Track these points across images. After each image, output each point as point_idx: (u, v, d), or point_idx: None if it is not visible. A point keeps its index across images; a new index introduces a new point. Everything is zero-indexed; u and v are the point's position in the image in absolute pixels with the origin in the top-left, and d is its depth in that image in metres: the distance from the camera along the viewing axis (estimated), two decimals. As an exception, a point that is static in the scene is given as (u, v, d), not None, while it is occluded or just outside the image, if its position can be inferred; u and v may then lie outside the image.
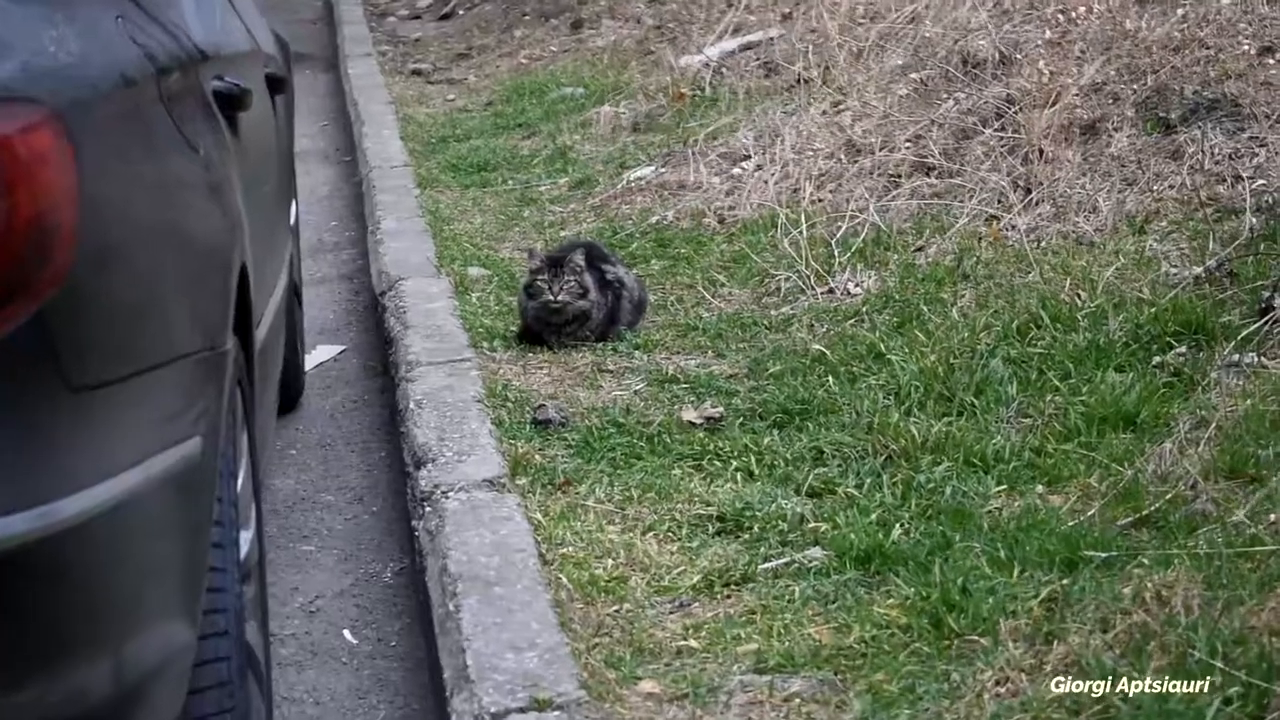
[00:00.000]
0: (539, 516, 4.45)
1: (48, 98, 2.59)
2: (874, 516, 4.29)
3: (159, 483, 2.79)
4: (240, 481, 3.50)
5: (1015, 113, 6.98)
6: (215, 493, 3.07)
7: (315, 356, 6.95)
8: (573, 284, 5.88)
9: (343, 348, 7.04)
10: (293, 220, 6.34)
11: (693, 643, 3.83)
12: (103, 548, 2.64)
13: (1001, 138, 6.88)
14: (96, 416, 2.63)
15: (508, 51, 12.65)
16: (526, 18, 13.79)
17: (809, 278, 6.16)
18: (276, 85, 4.93)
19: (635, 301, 6.09)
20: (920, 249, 6.31)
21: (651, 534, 4.41)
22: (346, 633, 4.59)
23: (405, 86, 11.89)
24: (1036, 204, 6.35)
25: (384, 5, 16.02)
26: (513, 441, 5.01)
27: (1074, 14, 7.37)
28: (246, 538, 3.59)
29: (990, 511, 4.26)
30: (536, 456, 4.88)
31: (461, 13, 15.17)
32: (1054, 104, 6.81)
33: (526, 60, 12.15)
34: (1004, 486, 4.39)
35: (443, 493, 4.62)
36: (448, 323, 6.13)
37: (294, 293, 6.32)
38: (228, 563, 3.14)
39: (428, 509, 4.59)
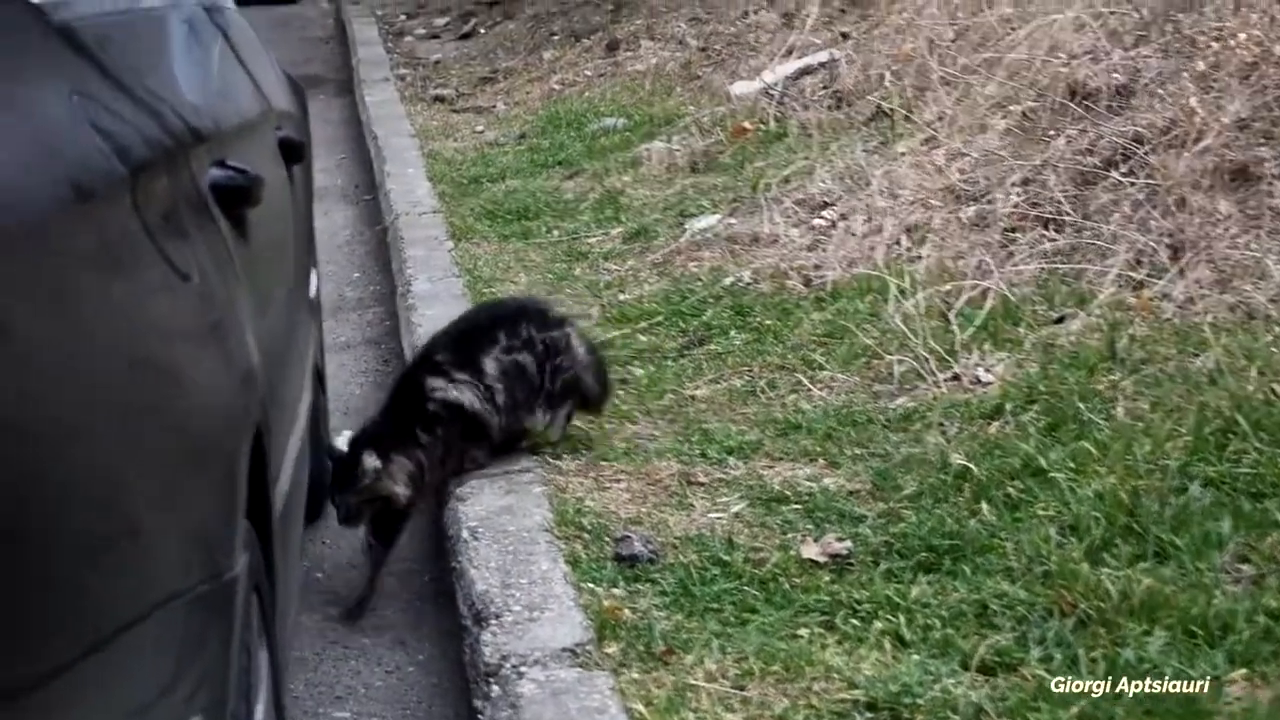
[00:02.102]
0: (640, 707, 3.48)
1: None
2: (1075, 711, 3.32)
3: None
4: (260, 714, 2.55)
5: (1145, 154, 6.00)
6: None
7: (341, 443, 5.99)
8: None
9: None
10: (314, 292, 5.40)
11: None
12: None
13: (1132, 183, 5.90)
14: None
15: (537, 75, 11.68)
16: (555, 37, 12.83)
17: (927, 360, 5.18)
18: (293, 152, 3.96)
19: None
20: (1059, 321, 5.32)
21: (782, 727, 3.44)
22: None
23: (429, 116, 10.94)
24: (1190, 267, 5.37)
25: (399, 23, 15.09)
26: (594, 588, 4.05)
27: (1205, 38, 6.39)
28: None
29: (1232, 707, 3.29)
30: (626, 611, 3.91)
31: (483, 31, 14.22)
32: (1195, 143, 5.83)
33: (559, 85, 11.18)
34: (1241, 668, 3.41)
35: (514, 668, 3.66)
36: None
37: (318, 379, 5.38)
38: None
39: (495, 689, 3.63)
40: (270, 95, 3.93)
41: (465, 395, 4.68)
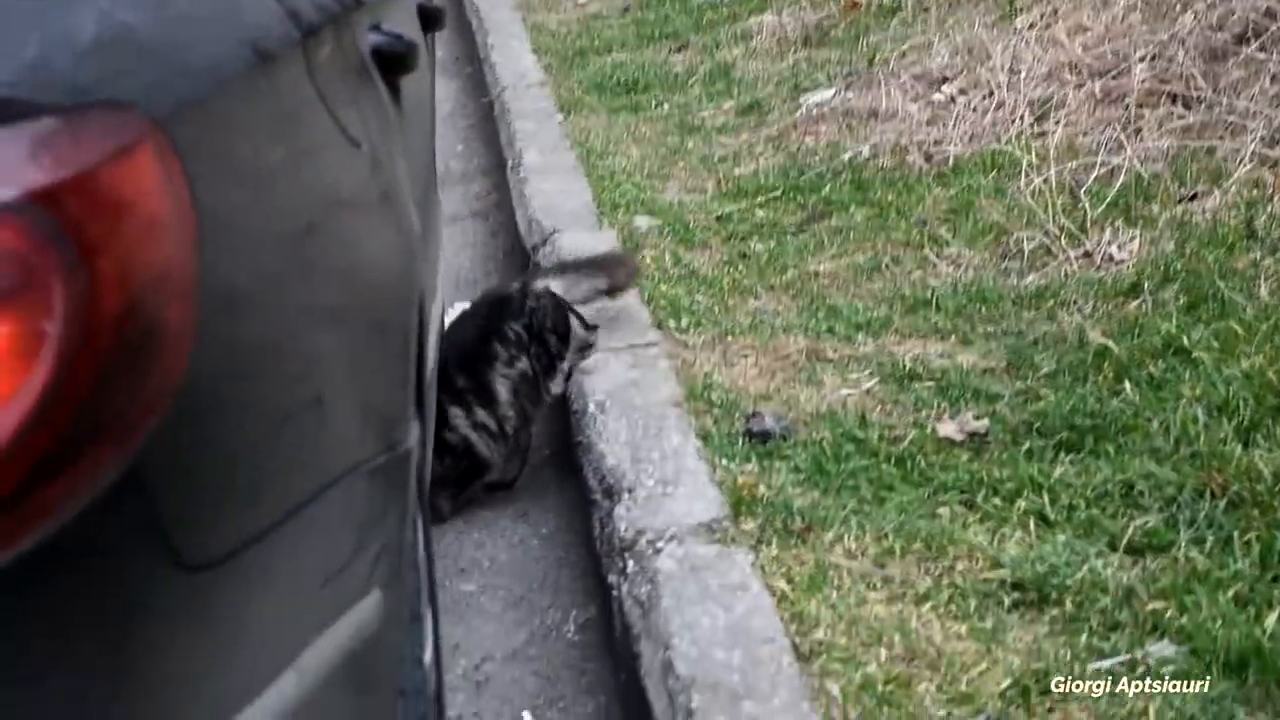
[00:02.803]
0: (782, 584, 3.42)
1: (142, 98, 1.56)
2: (1231, 594, 3.24)
3: (323, 684, 1.79)
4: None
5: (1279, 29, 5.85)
6: (400, 659, 2.07)
7: (452, 316, 5.94)
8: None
9: (485, 301, 6.01)
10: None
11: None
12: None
13: (1265, 58, 5.75)
14: (228, 606, 1.62)
15: (640, -52, 11.52)
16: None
17: (1058, 237, 5.07)
18: (432, 19, 3.86)
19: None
20: (1192, 198, 5.20)
21: (929, 607, 3.37)
22: (527, 716, 3.60)
23: (530, -12, 10.82)
24: (1329, 143, 5.24)
25: (498, -103, 14.89)
26: (727, 464, 3.98)
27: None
28: (426, 660, 2.60)
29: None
30: (761, 487, 3.84)
31: (582, -97, 14.03)
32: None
33: (662, -43, 11.01)
34: (1403, 552, 3.32)
35: (650, 543, 3.60)
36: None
37: (434, 249, 5.32)
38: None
39: (631, 564, 3.57)
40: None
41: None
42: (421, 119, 3.50)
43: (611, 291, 4.74)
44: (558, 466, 4.65)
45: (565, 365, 4.52)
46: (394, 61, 2.69)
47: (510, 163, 6.89)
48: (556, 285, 4.64)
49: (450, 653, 3.84)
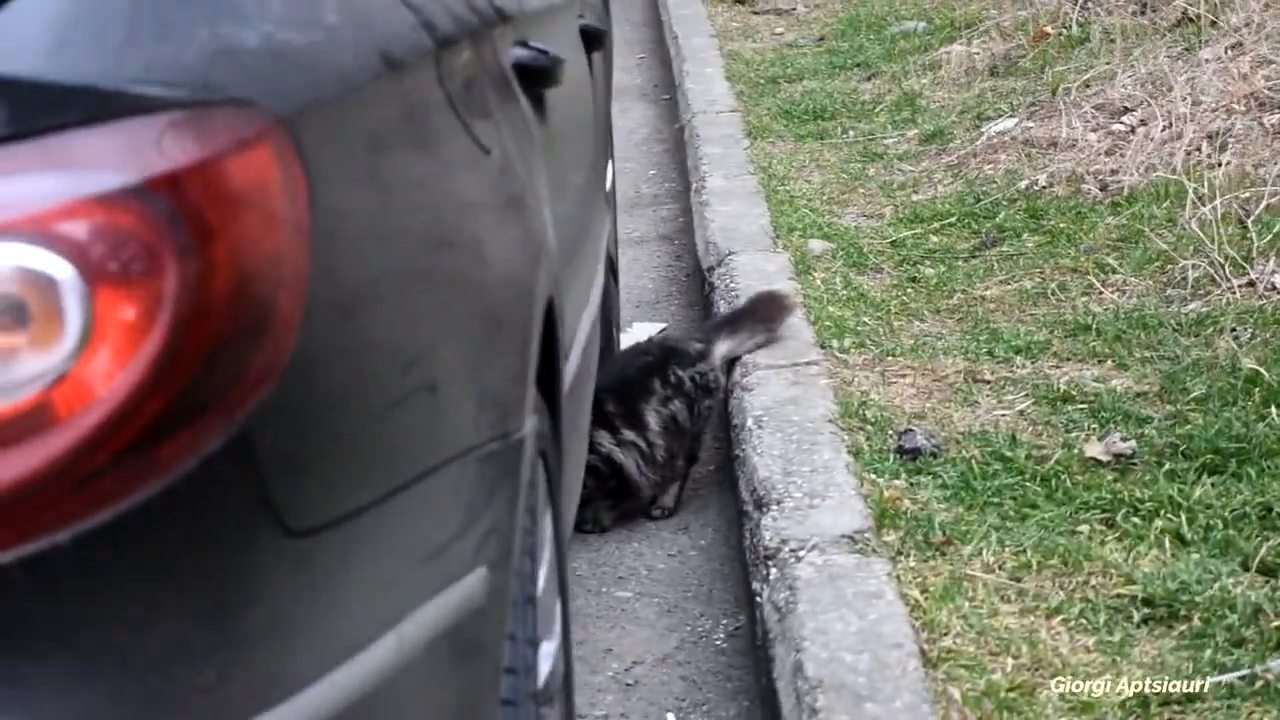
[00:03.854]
0: (916, 594, 3.52)
1: (267, 97, 1.72)
2: (1357, 614, 3.30)
3: (424, 651, 1.93)
4: (541, 583, 2.64)
5: None
6: (506, 636, 2.20)
7: (630, 336, 6.09)
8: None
9: (664, 325, 6.17)
10: (609, 184, 5.48)
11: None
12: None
13: None
14: (328, 570, 1.77)
15: (840, -21, 11.63)
16: (857, -59, 12.74)
17: (1222, 266, 5.11)
18: (594, 40, 4.02)
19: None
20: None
21: (1059, 620, 3.46)
22: (671, 718, 3.73)
23: (729, 17, 10.96)
24: None
25: (705, -73, 15.06)
26: (875, 479, 4.09)
27: None
28: (548, 652, 2.73)
29: None
30: (906, 501, 3.95)
31: (787, -65, 14.16)
32: None
33: (861, -12, 11.12)
34: None
35: (792, 551, 3.72)
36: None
37: (610, 269, 5.46)
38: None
39: (774, 572, 3.69)
40: (574, -18, 4.00)
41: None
42: (579, 133, 3.65)
43: (771, 340, 4.87)
44: (720, 482, 4.78)
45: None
46: (538, 75, 2.84)
47: (694, 186, 7.03)
48: (726, 344, 4.77)
49: (602, 656, 3.98)
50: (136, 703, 1.60)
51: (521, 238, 2.47)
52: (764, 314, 4.93)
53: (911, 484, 4.08)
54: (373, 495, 1.84)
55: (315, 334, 1.71)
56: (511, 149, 2.53)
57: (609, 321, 5.25)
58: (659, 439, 4.55)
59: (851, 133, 7.70)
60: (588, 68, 4.02)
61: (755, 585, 3.77)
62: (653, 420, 4.56)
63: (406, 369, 1.93)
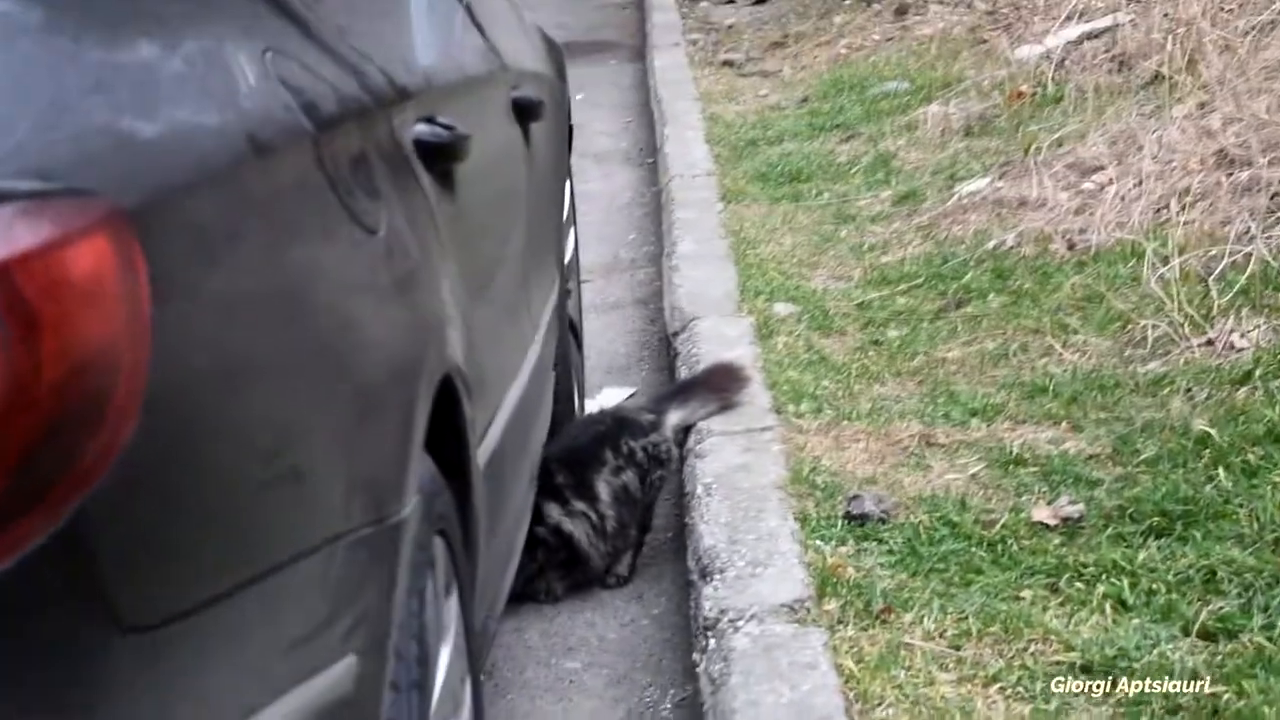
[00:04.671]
0: (851, 664, 3.48)
1: (109, 186, 1.69)
2: (1293, 679, 3.25)
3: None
4: (443, 665, 2.60)
5: None
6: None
7: (598, 402, 6.06)
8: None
9: (632, 390, 6.15)
10: (570, 254, 5.46)
11: None
12: None
13: None
14: (172, 667, 1.73)
15: (826, 40, 11.62)
16: (847, 2, 12.75)
17: (1182, 325, 5.08)
18: (529, 111, 4.00)
19: None
20: (1320, 290, 5.18)
21: (996, 688, 3.41)
22: (621, 799, 3.68)
23: (715, 80, 10.95)
24: None
25: (697, -11, 15.10)
26: (821, 545, 4.05)
27: None
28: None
29: None
30: (849, 569, 3.91)
31: (779, -3, 14.19)
32: None
33: (846, 50, 11.11)
34: None
35: (731, 622, 3.68)
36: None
37: (574, 337, 5.45)
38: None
39: (712, 643, 3.65)
40: (506, 54, 3.98)
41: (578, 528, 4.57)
42: (504, 205, 3.62)
43: (725, 408, 4.84)
44: (676, 549, 4.74)
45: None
46: (441, 151, 2.82)
47: (666, 251, 7.01)
48: (678, 414, 4.74)
49: (545, 731, 3.94)
50: None
51: (408, 317, 2.44)
52: (717, 384, 4.91)
53: (858, 550, 4.05)
54: (225, 587, 1.81)
55: (157, 423, 1.68)
56: (403, 227, 2.50)
57: (571, 390, 5.22)
58: (610, 509, 4.52)
59: (826, 194, 7.68)
60: (523, 139, 3.99)
61: (695, 655, 3.73)
62: (603, 491, 4.52)
63: (265, 456, 1.90)
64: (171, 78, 1.91)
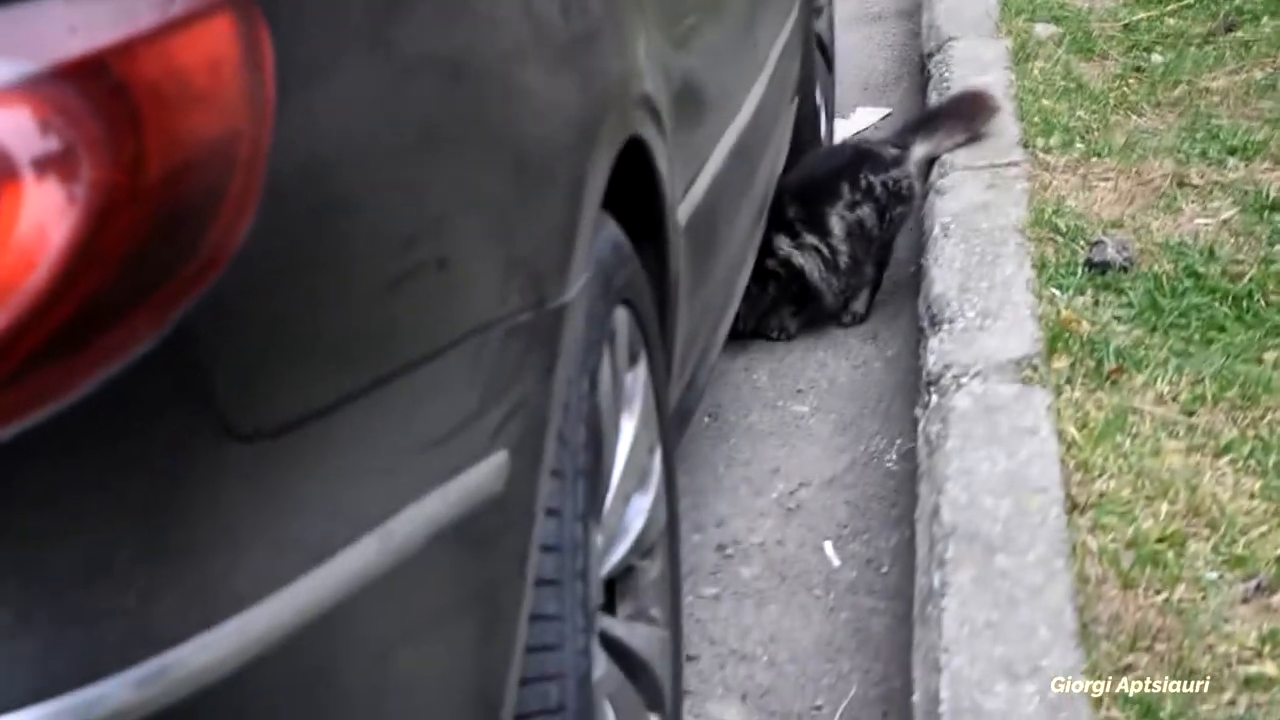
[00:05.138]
0: (1073, 430, 3.33)
1: None
2: None
3: (421, 549, 1.81)
4: (627, 442, 2.51)
5: None
6: (538, 515, 2.08)
7: (851, 123, 5.90)
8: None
9: (887, 111, 5.96)
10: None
11: (1271, 669, 2.69)
12: (321, 676, 1.70)
13: None
14: (288, 474, 1.65)
15: None
16: None
17: None
18: None
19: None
20: None
21: (1227, 460, 3.25)
22: (828, 546, 3.60)
23: None
24: None
25: None
26: (1057, 294, 3.88)
27: None
28: (641, 507, 2.61)
29: None
30: (1084, 324, 3.74)
31: None
32: None
33: None
34: None
35: (955, 378, 3.54)
36: (999, 105, 4.94)
37: (821, 53, 5.26)
38: (565, 606, 2.15)
39: (934, 399, 3.53)
40: None
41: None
42: None
43: (972, 139, 4.64)
44: (916, 287, 4.59)
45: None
46: None
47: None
48: (923, 147, 4.55)
49: (769, 477, 3.86)
50: (42, 626, 1.50)
51: (579, 80, 2.29)
52: (966, 112, 4.70)
53: (1095, 301, 3.87)
54: (352, 388, 1.70)
55: (278, 216, 1.57)
56: None
57: (812, 114, 5.05)
58: (843, 244, 4.37)
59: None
60: None
61: (917, 411, 3.61)
62: (836, 225, 4.38)
63: (403, 246, 1.78)
64: None
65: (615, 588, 2.59)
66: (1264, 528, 3.02)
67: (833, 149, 4.72)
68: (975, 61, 5.34)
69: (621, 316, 2.47)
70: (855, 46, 6.67)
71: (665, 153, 2.68)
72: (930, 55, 5.64)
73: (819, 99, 5.19)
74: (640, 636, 2.58)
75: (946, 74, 5.30)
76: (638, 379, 2.59)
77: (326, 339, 1.67)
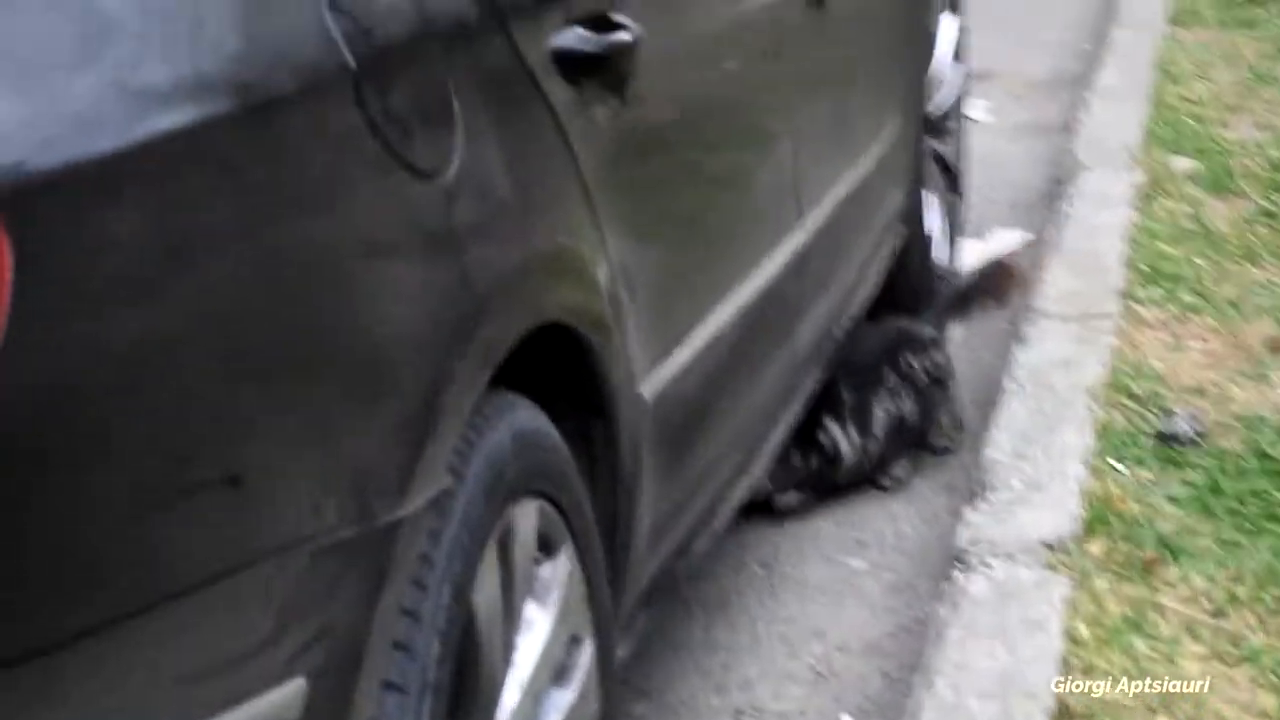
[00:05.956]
0: (1082, 629, 3.16)
1: None
2: None
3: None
4: (541, 632, 2.43)
5: None
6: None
7: (986, 245, 5.74)
8: None
9: (1024, 237, 5.78)
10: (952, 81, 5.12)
11: None
12: None
13: None
14: (36, 702, 1.58)
15: None
16: None
17: None
18: None
19: None
20: None
21: (1245, 671, 3.06)
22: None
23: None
24: None
25: None
26: (1116, 466, 3.70)
27: None
28: (562, 702, 2.52)
29: None
30: (1131, 504, 3.56)
31: None
32: None
33: None
34: None
35: (980, 559, 3.40)
36: (1109, 249, 4.78)
37: (947, 175, 5.13)
38: None
39: (955, 578, 3.38)
40: None
41: None
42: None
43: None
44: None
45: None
46: (589, 61, 2.55)
47: (1089, 77, 6.58)
48: (960, 329, 4.40)
49: (808, 639, 3.72)
50: None
51: (448, 276, 2.13)
52: (994, 288, 4.54)
53: (1156, 478, 3.69)
54: (113, 613, 1.63)
55: (11, 436, 1.51)
56: (494, 164, 2.27)
57: (918, 245, 4.90)
58: (881, 434, 4.22)
59: (1281, 22, 7.08)
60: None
61: (943, 585, 3.47)
62: (879, 419, 4.21)
63: (180, 462, 1.69)
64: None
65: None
66: (1264, 755, 2.84)
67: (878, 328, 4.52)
68: (1099, 196, 5.18)
69: (526, 510, 2.38)
70: (1013, 160, 6.52)
71: (612, 333, 2.59)
72: (1059, 183, 5.48)
73: (934, 226, 5.06)
74: None
75: (1067, 209, 5.14)
76: (557, 571, 2.49)
77: (74, 562, 1.60)
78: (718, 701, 3.49)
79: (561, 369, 2.53)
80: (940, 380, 4.25)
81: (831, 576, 3.96)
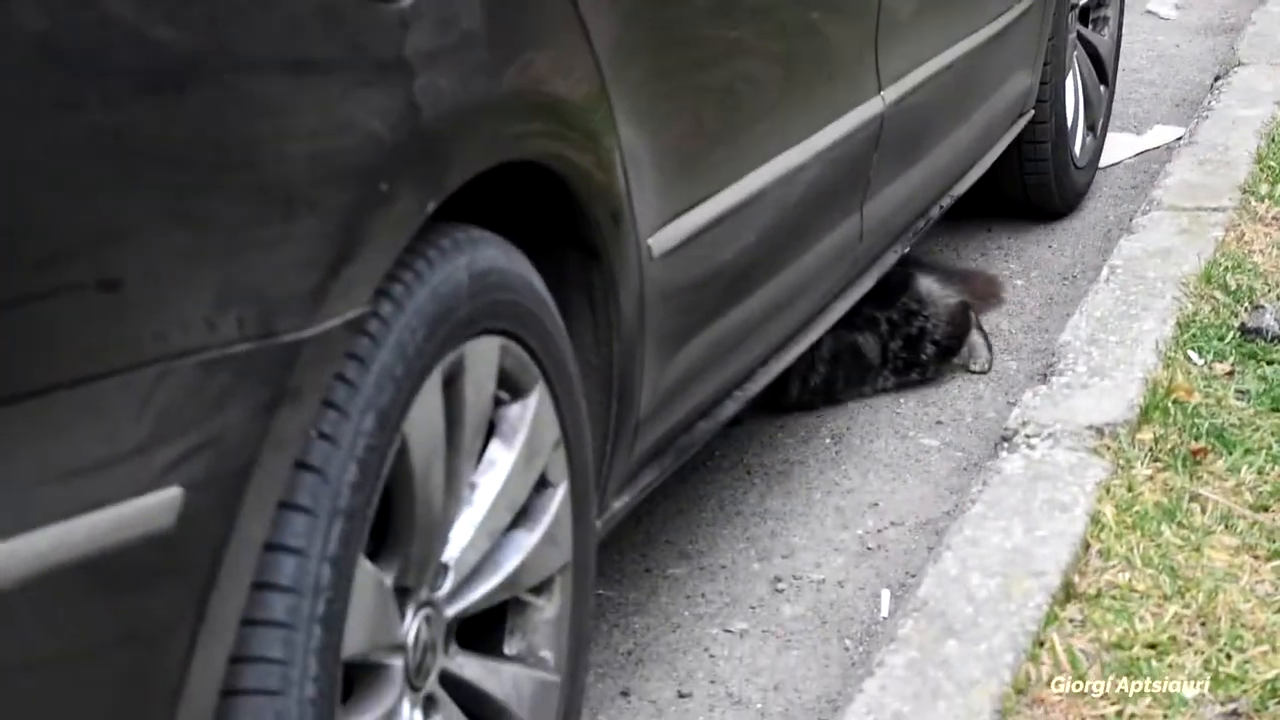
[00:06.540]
0: (1108, 513, 3.07)
1: None
2: None
3: (47, 575, 1.73)
4: (502, 473, 2.40)
5: None
6: (219, 554, 1.94)
7: (1143, 139, 5.60)
8: None
9: (1181, 132, 5.62)
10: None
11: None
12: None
13: None
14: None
15: None
16: None
17: None
18: None
19: None
20: None
21: (1275, 566, 2.96)
22: (885, 595, 3.40)
23: None
24: None
25: None
26: (1187, 359, 3.59)
27: None
28: (525, 542, 2.49)
29: None
30: (1195, 394, 3.45)
31: None
32: None
33: None
34: None
35: (1026, 439, 3.32)
36: (1241, 143, 4.62)
37: (1097, 66, 4.99)
38: (295, 650, 2.04)
39: (1000, 455, 3.31)
40: None
41: None
42: None
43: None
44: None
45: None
46: None
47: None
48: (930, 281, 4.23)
49: (862, 511, 3.66)
50: None
51: (390, 101, 2.05)
52: (976, 290, 4.37)
53: (1232, 370, 3.58)
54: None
55: None
56: None
57: (1058, 135, 4.76)
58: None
59: None
60: None
61: (990, 461, 3.39)
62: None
63: (48, 260, 1.68)
64: None
65: (504, 624, 2.49)
66: (1265, 647, 2.73)
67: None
68: (1247, 92, 5.02)
69: (483, 348, 2.34)
70: (1192, 58, 6.36)
71: (605, 179, 2.53)
72: (1216, 79, 5.30)
73: (1075, 115, 4.92)
74: (505, 679, 2.46)
75: (1213, 102, 4.97)
76: (526, 412, 2.46)
77: None
78: (758, 567, 3.46)
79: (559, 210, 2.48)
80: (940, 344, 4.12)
81: (900, 452, 3.90)
